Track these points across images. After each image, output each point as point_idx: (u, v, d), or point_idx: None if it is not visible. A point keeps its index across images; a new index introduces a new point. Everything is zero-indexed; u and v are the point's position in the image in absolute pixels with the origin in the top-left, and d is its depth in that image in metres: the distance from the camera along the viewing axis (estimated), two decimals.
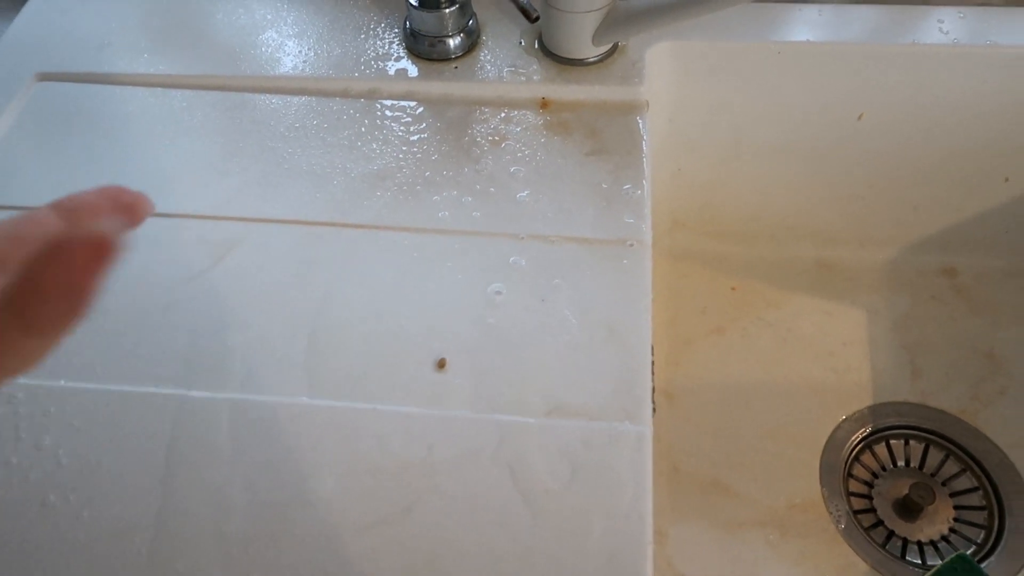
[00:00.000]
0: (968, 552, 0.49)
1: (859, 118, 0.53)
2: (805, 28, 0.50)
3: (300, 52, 0.50)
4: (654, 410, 0.37)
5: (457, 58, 0.49)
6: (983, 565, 0.48)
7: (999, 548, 0.49)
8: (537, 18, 0.46)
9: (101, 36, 0.52)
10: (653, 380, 0.38)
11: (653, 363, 0.39)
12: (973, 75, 0.50)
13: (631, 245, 0.41)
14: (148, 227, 0.43)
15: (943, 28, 0.49)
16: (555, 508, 0.33)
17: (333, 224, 0.43)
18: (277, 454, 0.35)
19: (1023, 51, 0.48)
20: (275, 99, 0.48)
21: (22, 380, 0.38)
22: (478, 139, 0.46)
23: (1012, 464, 0.52)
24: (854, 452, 0.53)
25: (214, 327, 0.39)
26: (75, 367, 0.38)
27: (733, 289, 0.60)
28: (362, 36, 0.51)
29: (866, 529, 0.50)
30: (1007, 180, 0.55)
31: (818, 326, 0.58)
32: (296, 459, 0.35)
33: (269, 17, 0.52)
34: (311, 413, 0.36)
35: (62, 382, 0.38)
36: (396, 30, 0.51)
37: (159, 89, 0.49)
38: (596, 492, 0.33)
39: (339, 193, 0.44)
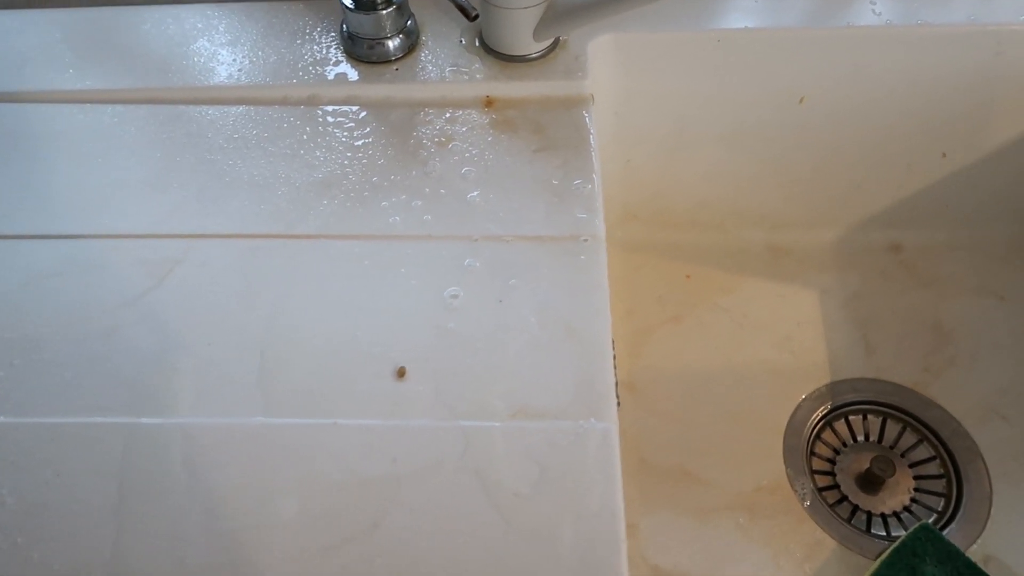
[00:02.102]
0: (930, 521, 0.50)
1: (800, 102, 0.53)
2: (742, 15, 0.50)
3: (235, 60, 0.49)
4: (618, 403, 0.37)
5: (397, 60, 0.48)
6: (945, 532, 0.49)
7: (959, 514, 0.50)
8: (476, 16, 0.46)
9: (21, 53, 0.50)
10: (615, 374, 0.38)
11: (615, 356, 0.38)
12: (907, 55, 0.51)
13: (585, 240, 0.41)
14: (84, 249, 0.41)
15: (876, 10, 0.50)
16: (525, 513, 0.33)
17: (279, 236, 0.41)
18: (235, 478, 0.34)
19: (953, 29, 0.49)
20: (211, 110, 0.47)
21: None
22: (424, 141, 0.45)
23: (966, 432, 0.53)
24: (815, 430, 0.54)
25: (160, 350, 0.37)
26: (14, 402, 0.36)
27: (687, 277, 0.60)
28: (298, 41, 0.49)
29: (831, 505, 0.51)
30: (944, 156, 0.57)
31: (772, 309, 0.59)
32: (255, 482, 0.34)
33: (200, 26, 0.51)
34: (268, 433, 0.35)
35: (1, 418, 0.36)
36: (333, 34, 0.50)
37: (88, 105, 0.47)
38: (566, 493, 0.33)
39: (284, 204, 0.43)
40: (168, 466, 0.34)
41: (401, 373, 0.36)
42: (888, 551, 0.46)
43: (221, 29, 0.51)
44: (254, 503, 0.33)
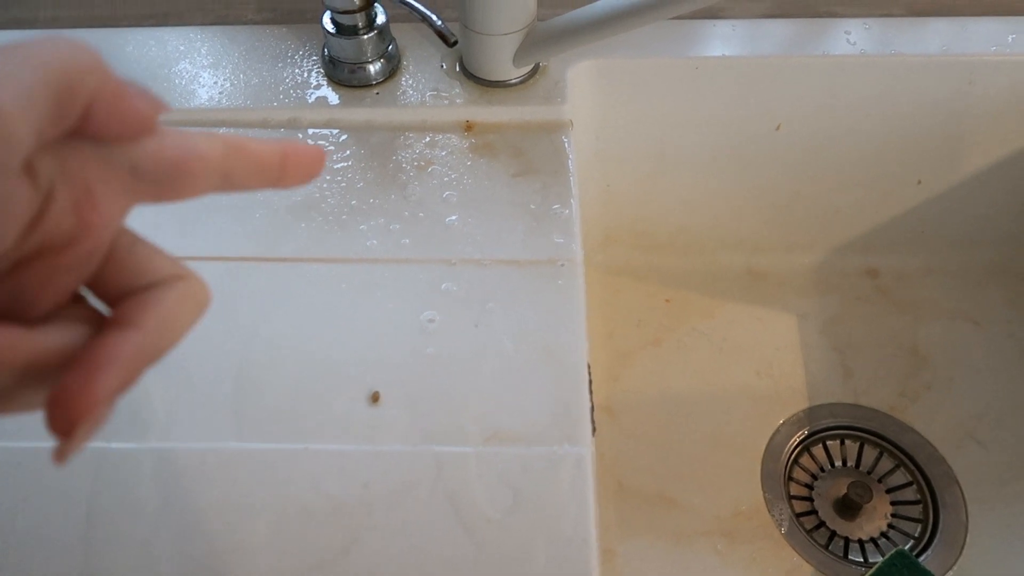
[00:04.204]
0: (906, 547, 0.50)
1: (777, 128, 0.54)
2: (720, 43, 0.51)
3: (216, 83, 0.49)
4: (594, 429, 0.37)
5: (378, 84, 0.48)
6: (921, 558, 0.49)
7: (935, 541, 0.50)
8: (455, 42, 0.46)
9: None
10: (592, 399, 0.38)
11: (591, 382, 0.39)
12: (881, 83, 0.52)
13: (562, 265, 0.41)
14: None
15: (850, 39, 0.51)
16: (498, 538, 0.33)
17: (257, 259, 0.41)
18: (206, 503, 0.34)
19: (926, 60, 0.50)
20: (192, 132, 0.47)
21: None
22: (404, 165, 0.45)
23: (942, 457, 0.53)
24: (793, 455, 0.54)
25: None
26: None
27: (667, 301, 0.60)
28: (280, 65, 0.50)
29: (808, 531, 0.51)
30: (919, 182, 0.57)
31: (751, 333, 0.59)
32: (226, 507, 0.34)
33: (182, 48, 0.51)
34: (240, 457, 0.35)
35: None
36: (315, 58, 0.50)
37: None
38: (538, 518, 0.33)
39: (262, 226, 0.43)
40: (138, 491, 0.34)
41: (375, 398, 0.36)
42: None
43: (203, 52, 0.51)
44: (224, 528, 0.33)
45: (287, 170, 0.21)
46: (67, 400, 0.16)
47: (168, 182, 0.18)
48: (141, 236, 0.20)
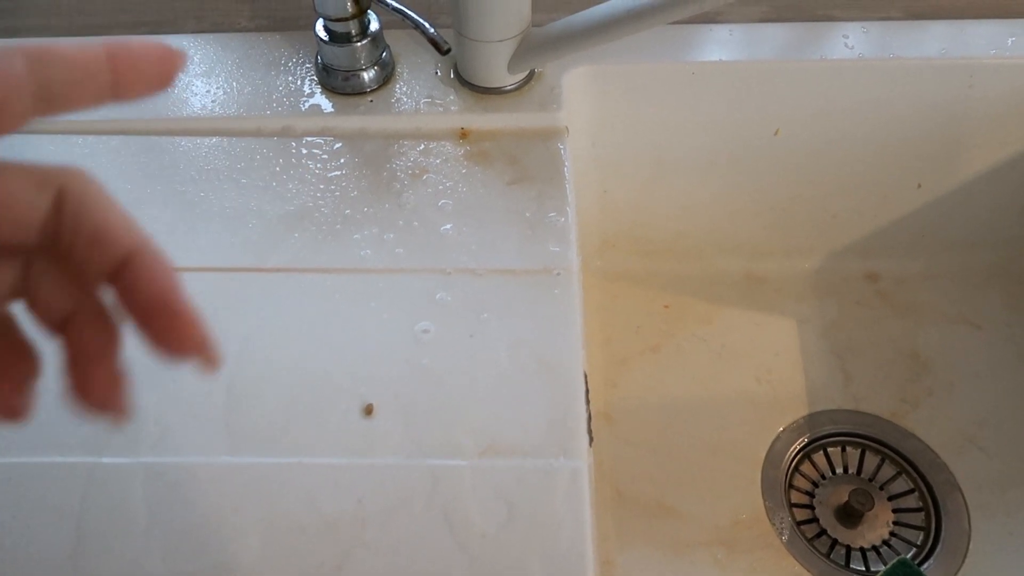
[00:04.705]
0: (908, 555, 0.49)
1: (775, 133, 0.54)
2: (717, 47, 0.51)
3: (209, 91, 0.48)
4: (591, 439, 0.37)
5: (372, 91, 0.48)
6: (924, 567, 0.49)
7: (938, 548, 0.50)
8: (448, 50, 0.46)
9: None
10: (589, 408, 0.38)
11: (588, 391, 0.38)
12: (880, 88, 0.51)
13: (558, 274, 0.40)
14: None
15: (848, 43, 0.50)
16: (492, 553, 0.32)
17: (249, 269, 0.41)
18: (197, 519, 0.33)
19: (925, 63, 0.50)
20: (184, 141, 0.47)
21: None
22: (398, 173, 0.45)
23: (944, 464, 0.53)
24: (794, 463, 0.54)
25: None
26: None
27: (666, 307, 0.60)
28: (273, 73, 0.49)
29: (809, 540, 0.51)
30: (919, 186, 0.57)
31: (750, 338, 0.58)
32: (218, 523, 0.33)
33: None
34: (233, 472, 0.34)
35: None
36: (308, 65, 0.50)
37: (58, 136, 0.47)
38: (534, 533, 0.32)
39: (255, 236, 0.42)
40: (129, 507, 0.34)
41: (369, 410, 0.36)
42: None
43: (196, 59, 0.50)
44: (216, 545, 0.33)
45: (121, 75, 0.18)
46: (182, 340, 0.19)
47: None
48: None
